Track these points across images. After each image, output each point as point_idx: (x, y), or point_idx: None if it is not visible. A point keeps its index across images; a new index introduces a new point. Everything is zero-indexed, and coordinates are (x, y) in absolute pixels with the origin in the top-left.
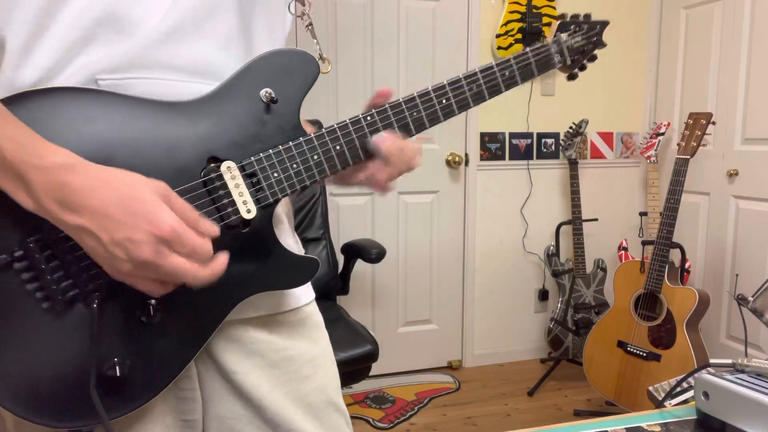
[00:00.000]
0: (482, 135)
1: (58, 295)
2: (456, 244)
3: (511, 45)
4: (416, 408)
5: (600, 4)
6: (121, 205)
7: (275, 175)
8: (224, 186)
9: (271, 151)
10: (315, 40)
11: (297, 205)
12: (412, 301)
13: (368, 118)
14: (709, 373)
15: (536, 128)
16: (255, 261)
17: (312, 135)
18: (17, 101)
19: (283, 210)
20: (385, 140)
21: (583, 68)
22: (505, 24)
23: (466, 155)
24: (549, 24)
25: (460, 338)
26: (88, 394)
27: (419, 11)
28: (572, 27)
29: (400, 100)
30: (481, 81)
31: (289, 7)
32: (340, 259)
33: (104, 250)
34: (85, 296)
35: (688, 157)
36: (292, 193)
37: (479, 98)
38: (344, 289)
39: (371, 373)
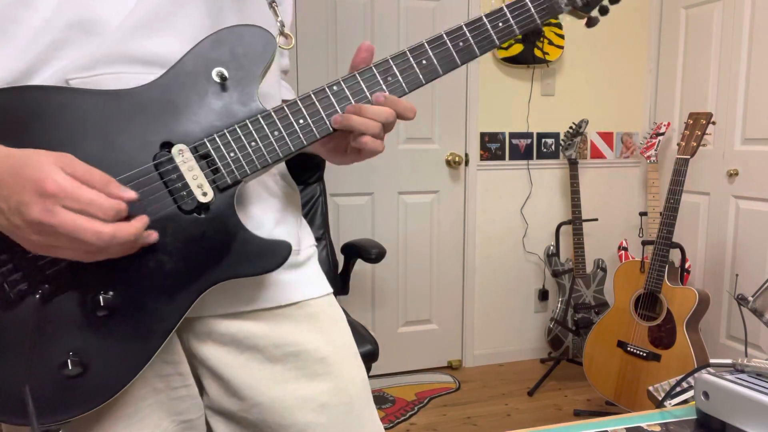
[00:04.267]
0: (482, 135)
1: (8, 288)
2: (456, 244)
3: (511, 45)
4: (416, 408)
5: None
6: (12, 173)
7: (231, 155)
8: (176, 169)
9: (225, 130)
10: (277, 18)
11: None
12: (412, 301)
13: (334, 87)
14: (709, 373)
15: (536, 128)
16: (218, 247)
17: (270, 110)
18: None
19: (271, 192)
20: (344, 119)
21: (604, 11)
22: None
23: (466, 155)
24: (549, 23)
25: (460, 338)
26: (46, 393)
27: (419, 11)
28: None
29: (372, 65)
30: (468, 36)
31: None
32: (340, 259)
33: (8, 222)
34: (34, 289)
35: (688, 157)
36: (253, 174)
37: (469, 55)
38: (344, 289)
39: (371, 373)
